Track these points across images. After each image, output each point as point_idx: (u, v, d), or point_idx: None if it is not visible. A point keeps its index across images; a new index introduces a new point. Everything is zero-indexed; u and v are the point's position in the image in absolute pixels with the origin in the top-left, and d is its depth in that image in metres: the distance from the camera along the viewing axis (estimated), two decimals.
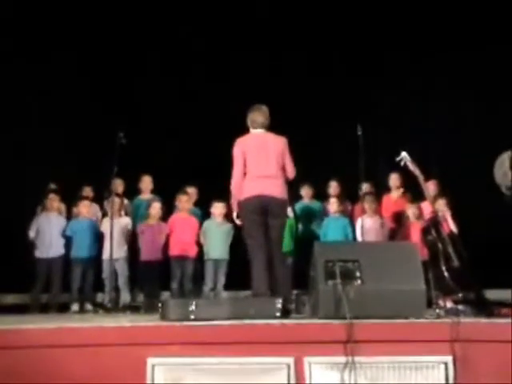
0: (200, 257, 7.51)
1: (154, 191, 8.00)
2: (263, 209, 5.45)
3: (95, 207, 7.93)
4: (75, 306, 7.28)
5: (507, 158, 4.74)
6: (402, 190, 7.72)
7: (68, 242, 7.47)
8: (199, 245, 7.53)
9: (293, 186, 6.05)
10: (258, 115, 5.68)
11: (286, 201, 5.72)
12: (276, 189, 5.51)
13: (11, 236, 7.59)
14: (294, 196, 7.56)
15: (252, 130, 5.73)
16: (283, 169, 5.62)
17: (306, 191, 7.91)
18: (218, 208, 7.52)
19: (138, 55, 9.05)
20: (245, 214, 5.53)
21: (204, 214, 7.80)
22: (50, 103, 8.82)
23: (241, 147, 5.59)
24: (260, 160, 5.51)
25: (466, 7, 8.60)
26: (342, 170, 7.65)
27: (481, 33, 8.49)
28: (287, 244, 7.02)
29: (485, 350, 3.94)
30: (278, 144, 5.62)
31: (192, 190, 7.86)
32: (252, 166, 5.52)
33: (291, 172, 5.68)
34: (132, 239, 7.59)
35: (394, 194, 7.79)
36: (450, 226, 6.52)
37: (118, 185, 7.66)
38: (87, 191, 8.05)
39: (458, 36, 8.61)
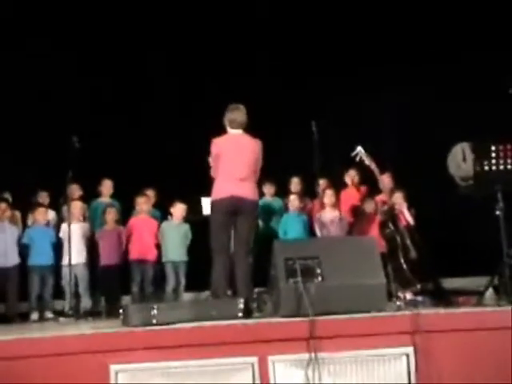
0: (159, 259, 7.46)
1: (113, 195, 7.91)
2: (234, 209, 5.47)
3: (52, 213, 7.80)
4: (35, 315, 7.14)
5: (460, 150, 4.83)
6: (358, 184, 7.78)
7: (22, 250, 7.34)
8: (158, 247, 7.48)
9: None
10: (237, 114, 5.66)
11: (257, 202, 5.77)
12: (248, 191, 5.53)
13: None
14: None
15: (230, 130, 5.69)
16: (255, 171, 5.65)
17: (267, 189, 7.93)
18: (179, 209, 7.49)
19: (92, 53, 8.92)
20: (214, 214, 5.53)
21: (164, 216, 7.75)
22: (2, 105, 8.63)
23: (217, 148, 5.59)
24: (235, 163, 5.49)
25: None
26: (300, 167, 7.69)
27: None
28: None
29: (445, 340, 4.02)
30: (254, 148, 5.63)
31: (150, 193, 7.81)
32: (226, 168, 5.51)
33: (257, 176, 5.73)
34: (92, 244, 7.49)
35: (351, 189, 7.86)
36: (407, 218, 6.60)
37: (75, 189, 7.55)
38: (43, 197, 7.91)
39: (411, 34, 8.75)
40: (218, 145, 5.61)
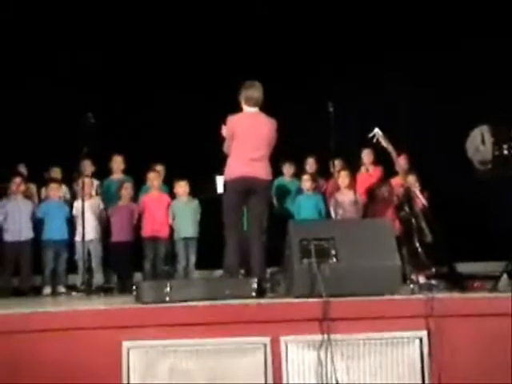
0: (171, 236, 7.48)
1: (124, 171, 7.91)
2: (247, 189, 5.44)
3: (64, 189, 7.81)
4: (47, 289, 7.20)
5: (478, 134, 4.75)
6: (374, 165, 7.73)
7: (36, 224, 7.36)
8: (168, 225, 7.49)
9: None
10: (253, 91, 5.54)
11: (270, 181, 5.75)
12: (261, 170, 5.48)
13: None
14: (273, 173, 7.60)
15: (246, 108, 5.59)
16: (269, 151, 5.59)
17: (287, 169, 7.92)
18: (181, 187, 7.52)
19: (112, 36, 8.89)
20: (227, 193, 5.50)
21: (171, 193, 7.75)
22: (18, 82, 8.64)
23: (232, 126, 5.52)
24: (250, 142, 5.43)
25: None
26: (317, 148, 7.64)
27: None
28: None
29: (458, 325, 3.99)
30: (269, 127, 5.55)
31: (160, 168, 7.83)
32: (241, 148, 5.45)
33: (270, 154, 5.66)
34: (105, 220, 7.51)
35: (368, 170, 7.81)
36: (422, 200, 6.55)
37: (87, 166, 7.55)
38: (56, 172, 7.93)
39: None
40: (233, 122, 5.54)
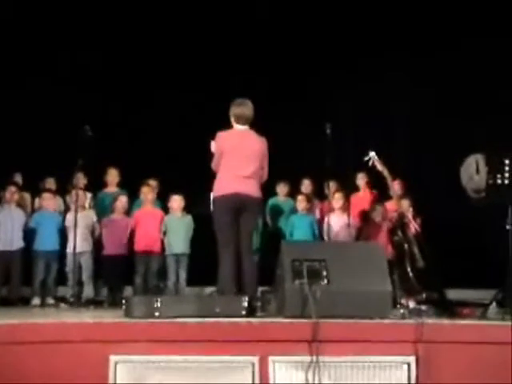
0: (163, 251, 7.46)
1: (119, 185, 7.91)
2: (238, 206, 5.40)
3: (59, 200, 7.80)
4: (36, 300, 7.16)
5: (473, 162, 4.79)
6: (369, 189, 7.76)
7: (27, 235, 7.34)
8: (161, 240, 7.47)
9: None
10: (244, 109, 5.53)
11: (261, 199, 5.71)
12: (251, 188, 5.45)
13: None
14: (267, 193, 7.60)
15: (236, 126, 5.58)
16: (260, 169, 5.55)
17: (281, 189, 7.92)
18: (176, 201, 7.48)
19: (108, 47, 8.93)
20: (218, 210, 5.45)
21: (164, 208, 7.74)
22: (16, 92, 8.65)
23: (221, 143, 5.50)
24: (239, 159, 5.40)
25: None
26: (313, 169, 7.67)
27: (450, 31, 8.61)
28: (254, 241, 7.01)
29: (447, 351, 3.99)
30: (259, 146, 5.53)
31: (153, 183, 7.81)
32: (230, 165, 5.42)
33: (265, 175, 5.64)
34: (97, 233, 7.49)
35: (361, 193, 7.84)
36: (415, 226, 6.58)
37: (81, 178, 7.52)
38: (50, 183, 7.92)
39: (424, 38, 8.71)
40: (222, 139, 5.51)
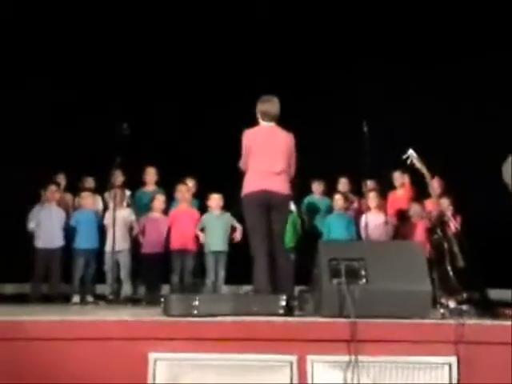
0: (200, 250, 7.48)
1: (157, 184, 7.96)
2: (267, 204, 5.38)
3: (97, 198, 7.90)
4: (76, 298, 7.26)
5: None
6: (407, 187, 7.67)
7: (67, 233, 7.44)
8: (197, 238, 7.49)
9: (299, 181, 5.97)
10: (270, 107, 5.54)
11: (290, 196, 5.67)
12: (280, 185, 5.43)
13: (11, 226, 7.54)
14: (303, 191, 7.55)
15: (262, 123, 5.60)
16: (288, 165, 5.54)
17: (316, 187, 7.90)
18: (214, 200, 7.50)
19: (141, 44, 8.99)
20: (248, 208, 5.44)
21: (201, 206, 7.76)
22: (54, 92, 8.77)
23: (248, 140, 5.51)
24: (267, 156, 5.40)
25: None
26: (351, 167, 7.62)
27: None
28: (290, 240, 7.00)
29: (489, 352, 3.91)
30: (287, 141, 5.52)
31: (190, 182, 7.84)
32: (258, 161, 5.42)
33: (292, 172, 5.63)
34: (135, 231, 7.55)
35: (400, 192, 7.75)
36: (455, 224, 6.48)
37: (119, 176, 7.60)
38: (89, 182, 8.02)
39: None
40: (249, 137, 5.52)
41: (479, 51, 8.46)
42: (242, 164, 5.59)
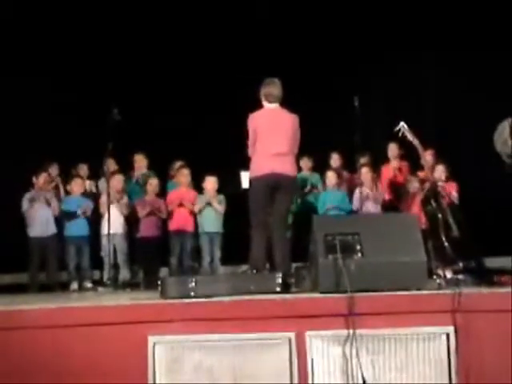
0: (197, 231, 7.50)
1: (149, 167, 7.95)
2: (273, 186, 5.46)
3: (90, 183, 7.89)
4: (74, 285, 7.29)
5: (507, 126, 4.68)
6: (400, 159, 7.66)
7: (60, 220, 7.44)
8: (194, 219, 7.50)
9: None
10: (273, 88, 5.62)
11: (296, 177, 5.77)
12: (287, 166, 5.51)
13: (5, 216, 7.52)
14: None
15: (266, 105, 5.66)
16: (294, 146, 5.62)
17: (305, 163, 7.90)
18: (210, 182, 7.51)
19: (131, 31, 8.94)
20: (253, 190, 5.53)
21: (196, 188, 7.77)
22: (47, 81, 8.73)
23: (254, 123, 5.56)
24: (273, 137, 5.46)
25: None
26: (341, 142, 7.62)
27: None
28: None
29: (486, 320, 3.92)
30: (292, 122, 5.60)
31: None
32: (265, 144, 5.48)
33: (296, 150, 5.71)
34: (130, 216, 7.54)
35: (393, 164, 7.75)
36: (450, 194, 6.49)
37: (112, 162, 7.58)
38: (83, 169, 8.00)
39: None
40: (255, 119, 5.58)
41: (473, 34, 8.41)
42: (249, 151, 5.64)
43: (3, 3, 8.24)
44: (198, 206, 7.42)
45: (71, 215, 7.41)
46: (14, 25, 8.64)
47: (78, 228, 7.39)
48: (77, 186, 7.56)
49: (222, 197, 7.56)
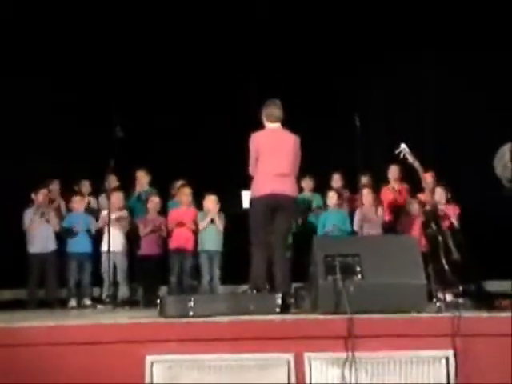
0: (196, 250, 7.49)
1: (151, 184, 7.96)
2: (274, 205, 5.48)
3: (92, 200, 7.90)
4: (73, 302, 7.25)
5: (507, 151, 4.70)
6: (400, 181, 7.67)
7: (60, 237, 7.44)
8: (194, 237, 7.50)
9: None
10: (274, 109, 5.69)
11: (297, 198, 5.81)
12: (288, 186, 5.55)
13: (6, 231, 7.52)
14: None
15: (268, 125, 5.72)
16: (295, 166, 5.66)
17: (306, 183, 7.89)
18: (212, 202, 7.50)
19: (135, 48, 8.98)
20: (255, 211, 5.55)
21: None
22: (51, 96, 8.76)
23: (256, 143, 5.60)
24: (275, 158, 5.51)
25: None
26: (342, 162, 7.62)
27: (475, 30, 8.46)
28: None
29: (486, 344, 3.91)
30: (293, 142, 5.64)
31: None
32: (266, 164, 5.52)
33: (297, 171, 5.75)
34: (130, 233, 7.54)
35: (393, 186, 7.75)
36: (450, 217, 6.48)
37: (113, 179, 7.59)
38: (85, 186, 8.01)
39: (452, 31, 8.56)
40: (257, 139, 5.62)
41: (475, 52, 8.43)
42: (250, 170, 5.68)
43: (3, 3, 8.24)
44: (203, 224, 7.40)
45: (73, 232, 7.39)
46: (14, 25, 8.62)
47: (80, 244, 7.38)
48: (78, 203, 7.56)
49: (222, 214, 7.55)
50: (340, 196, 7.64)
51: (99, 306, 7.01)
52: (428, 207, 5.95)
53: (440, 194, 6.88)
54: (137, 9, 8.93)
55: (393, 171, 7.65)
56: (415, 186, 6.79)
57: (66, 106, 8.76)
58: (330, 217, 7.51)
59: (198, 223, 7.47)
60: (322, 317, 4.05)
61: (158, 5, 8.93)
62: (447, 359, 3.88)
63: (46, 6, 8.69)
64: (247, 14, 8.94)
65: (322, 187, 7.91)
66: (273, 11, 8.97)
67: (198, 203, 7.64)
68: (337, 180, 7.91)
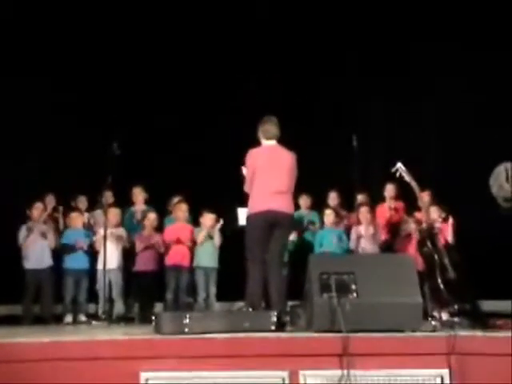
0: (192, 267, 7.48)
1: (147, 201, 7.96)
2: (270, 222, 5.48)
3: (88, 216, 7.89)
4: (69, 318, 7.23)
5: (503, 170, 4.73)
6: (396, 199, 7.68)
7: (56, 253, 7.41)
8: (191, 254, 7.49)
9: None
10: (270, 126, 5.70)
11: (293, 215, 5.78)
12: (284, 203, 5.53)
13: (1, 246, 7.50)
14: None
15: (264, 142, 5.73)
16: (292, 184, 5.65)
17: (304, 201, 7.90)
18: (210, 219, 7.50)
19: (132, 64, 9.01)
20: (250, 227, 5.54)
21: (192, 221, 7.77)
22: (51, 96, 8.76)
23: (252, 160, 5.61)
24: (271, 175, 5.50)
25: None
26: (339, 180, 7.64)
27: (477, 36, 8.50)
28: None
29: (481, 363, 3.92)
30: (290, 159, 5.64)
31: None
32: (263, 181, 5.51)
33: (293, 188, 5.72)
34: (126, 250, 7.53)
35: (389, 204, 7.76)
36: (445, 232, 6.49)
37: (110, 196, 7.59)
38: (82, 202, 8.00)
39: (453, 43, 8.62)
40: (253, 156, 5.64)
41: (473, 72, 8.48)
42: (246, 186, 5.68)
43: (3, 3, 8.26)
44: (199, 239, 7.41)
45: (71, 249, 7.38)
46: (14, 25, 8.63)
47: (77, 261, 7.36)
48: (75, 220, 7.55)
49: (218, 234, 7.55)
50: (337, 214, 7.65)
51: (94, 322, 6.97)
52: (424, 226, 5.96)
53: (436, 213, 6.89)
54: (137, 8, 8.95)
55: (389, 189, 7.67)
56: (411, 205, 6.80)
57: (66, 106, 8.76)
58: (327, 235, 7.52)
59: (194, 239, 7.47)
60: (316, 335, 4.06)
61: (158, 8, 8.95)
62: (442, 378, 3.89)
63: (45, 6, 8.71)
64: (247, 14, 8.96)
65: (318, 205, 7.92)
66: (273, 11, 8.99)
67: (195, 220, 7.65)
68: (333, 198, 7.93)
